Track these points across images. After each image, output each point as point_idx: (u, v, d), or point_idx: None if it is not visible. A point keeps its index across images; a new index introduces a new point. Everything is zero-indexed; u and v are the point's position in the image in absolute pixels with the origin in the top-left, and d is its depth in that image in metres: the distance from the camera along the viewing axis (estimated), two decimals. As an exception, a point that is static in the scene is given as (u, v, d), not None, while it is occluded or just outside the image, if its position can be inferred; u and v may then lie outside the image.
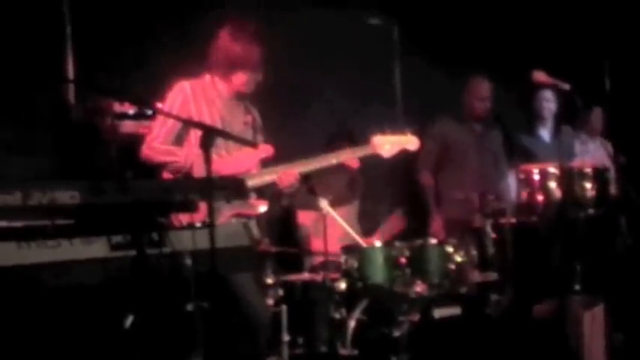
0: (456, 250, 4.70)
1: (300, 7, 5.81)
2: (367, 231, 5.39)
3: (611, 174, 4.93)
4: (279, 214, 5.18)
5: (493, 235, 4.98)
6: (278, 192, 4.18)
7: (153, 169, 3.99)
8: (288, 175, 4.10)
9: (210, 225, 3.02)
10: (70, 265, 2.85)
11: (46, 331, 3.12)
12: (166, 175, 3.96)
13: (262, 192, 4.12)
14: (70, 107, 4.76)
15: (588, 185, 4.81)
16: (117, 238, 2.95)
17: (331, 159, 4.23)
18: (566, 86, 4.88)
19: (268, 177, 4.11)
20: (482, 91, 5.76)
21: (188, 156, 3.87)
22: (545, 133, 5.98)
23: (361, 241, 4.81)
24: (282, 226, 5.44)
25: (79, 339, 3.25)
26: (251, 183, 3.95)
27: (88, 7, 4.91)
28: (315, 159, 4.19)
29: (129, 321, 3.66)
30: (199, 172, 3.75)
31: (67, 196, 2.82)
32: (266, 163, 4.15)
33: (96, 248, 2.91)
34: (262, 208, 3.96)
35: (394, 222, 5.50)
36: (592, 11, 6.55)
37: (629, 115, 6.14)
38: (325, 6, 5.89)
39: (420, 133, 4.54)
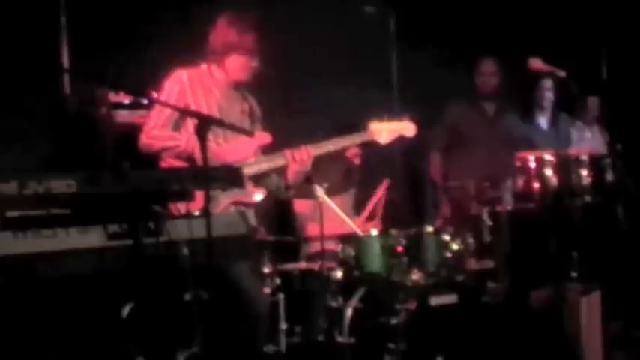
0: (453, 238, 4.70)
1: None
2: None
3: (608, 161, 4.93)
4: (276, 202, 5.17)
5: (490, 223, 4.98)
6: (292, 174, 4.18)
7: (149, 159, 3.99)
8: (299, 153, 4.11)
9: (206, 214, 3.02)
10: (67, 255, 2.85)
11: (43, 320, 3.12)
12: (167, 161, 3.96)
13: (260, 180, 4.13)
14: (65, 97, 4.75)
15: (584, 173, 4.80)
16: (113, 228, 2.95)
17: (329, 146, 4.24)
18: (562, 73, 4.89)
19: (265, 165, 4.12)
20: (484, 68, 5.86)
21: (189, 140, 3.87)
22: (542, 121, 5.98)
23: (358, 230, 4.81)
24: (279, 215, 5.44)
25: (76, 329, 3.26)
26: (248, 171, 3.96)
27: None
28: (312, 147, 4.19)
29: (126, 310, 3.66)
30: (199, 158, 3.75)
31: (63, 186, 2.82)
32: (264, 151, 4.16)
33: (92, 238, 2.91)
34: (259, 196, 3.96)
35: (381, 191, 5.47)
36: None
37: (625, 103, 6.14)
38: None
39: (416, 120, 4.55)
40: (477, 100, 5.90)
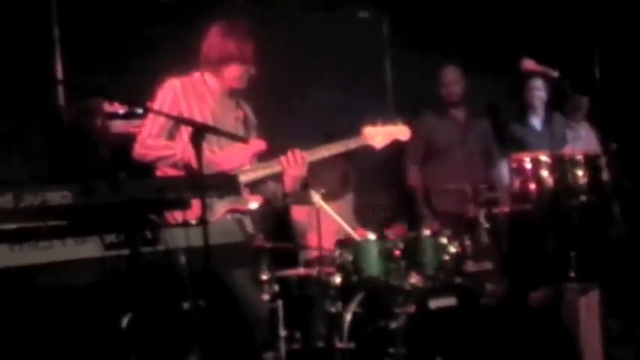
0: (450, 241, 4.70)
1: (290, 3, 5.81)
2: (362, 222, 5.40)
3: (603, 160, 4.94)
4: (274, 209, 5.17)
5: (487, 225, 4.98)
6: (289, 180, 4.17)
7: (147, 168, 3.99)
8: (294, 157, 4.10)
9: (203, 222, 3.02)
10: (64, 266, 2.85)
11: (42, 332, 3.12)
12: (163, 170, 3.96)
13: (257, 187, 4.13)
14: (59, 109, 4.75)
15: (580, 172, 4.81)
16: (110, 238, 2.95)
17: (323, 152, 4.23)
18: (555, 73, 4.90)
19: (262, 171, 4.12)
20: (445, 77, 5.86)
21: (184, 149, 3.87)
22: (536, 122, 6.00)
23: (355, 235, 4.81)
24: (277, 221, 5.44)
25: (75, 340, 3.25)
26: (244, 178, 3.96)
27: (75, 8, 4.91)
28: (306, 153, 4.19)
29: (125, 321, 3.65)
30: (196, 167, 3.75)
31: (59, 197, 2.82)
32: (260, 159, 4.16)
33: (89, 248, 2.91)
34: (255, 204, 3.96)
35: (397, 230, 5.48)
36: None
37: (618, 102, 6.14)
38: (315, 1, 5.89)
39: (410, 125, 4.55)
40: (445, 109, 5.89)
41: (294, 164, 4.10)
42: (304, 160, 4.12)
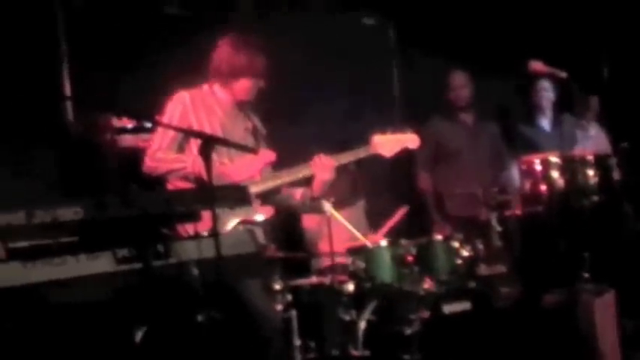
0: (462, 245, 4.70)
1: (296, 10, 5.82)
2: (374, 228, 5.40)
3: (613, 160, 4.92)
4: (285, 218, 5.17)
5: (499, 228, 4.97)
6: (318, 184, 4.17)
7: (155, 182, 3.99)
8: (321, 161, 4.11)
9: (214, 234, 3.02)
10: (77, 282, 2.85)
11: (56, 349, 3.12)
12: (173, 183, 3.96)
13: (270, 198, 4.13)
14: (68, 124, 4.77)
15: (591, 173, 4.80)
16: (122, 252, 2.95)
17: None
18: (563, 74, 4.90)
19: (272, 183, 4.12)
20: (453, 82, 5.85)
21: (195, 162, 3.87)
22: (545, 123, 5.99)
23: (367, 242, 4.80)
24: (288, 230, 5.43)
25: (90, 355, 3.25)
26: (255, 189, 3.96)
27: (82, 23, 4.92)
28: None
29: (139, 335, 3.66)
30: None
31: (70, 213, 2.82)
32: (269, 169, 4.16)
33: (102, 263, 2.91)
34: (261, 216, 3.96)
35: (399, 215, 5.47)
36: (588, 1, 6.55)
37: (628, 102, 6.13)
38: (321, 8, 5.89)
39: (419, 130, 4.55)
40: (454, 113, 5.89)
41: (324, 168, 4.12)
42: (332, 164, 4.14)
